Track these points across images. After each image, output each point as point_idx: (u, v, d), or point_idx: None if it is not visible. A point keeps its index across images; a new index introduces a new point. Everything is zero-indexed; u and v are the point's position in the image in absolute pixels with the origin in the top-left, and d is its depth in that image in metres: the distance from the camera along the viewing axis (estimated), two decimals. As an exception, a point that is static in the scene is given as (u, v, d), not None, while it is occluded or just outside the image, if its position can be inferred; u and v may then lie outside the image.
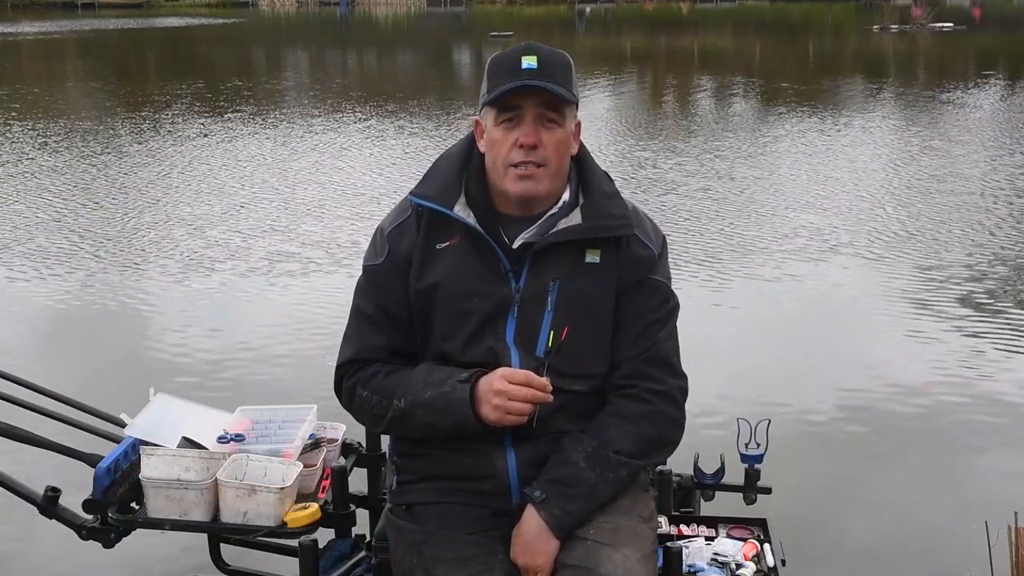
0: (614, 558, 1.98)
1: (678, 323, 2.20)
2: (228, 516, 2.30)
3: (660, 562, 2.18)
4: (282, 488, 2.28)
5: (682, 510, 2.61)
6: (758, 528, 2.51)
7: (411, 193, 2.16)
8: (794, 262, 7.25)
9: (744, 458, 2.58)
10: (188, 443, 2.47)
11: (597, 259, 2.11)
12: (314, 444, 2.56)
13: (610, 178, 2.20)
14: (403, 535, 2.17)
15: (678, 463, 2.48)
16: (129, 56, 30.68)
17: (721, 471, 2.62)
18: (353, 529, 2.53)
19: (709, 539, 2.46)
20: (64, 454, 2.53)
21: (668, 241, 2.23)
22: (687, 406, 2.18)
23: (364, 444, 2.72)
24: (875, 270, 7.06)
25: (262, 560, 2.87)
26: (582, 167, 2.17)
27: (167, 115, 15.70)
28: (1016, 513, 2.87)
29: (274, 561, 2.84)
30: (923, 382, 5.12)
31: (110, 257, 7.60)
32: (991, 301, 6.40)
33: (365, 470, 2.73)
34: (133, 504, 2.38)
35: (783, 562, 2.39)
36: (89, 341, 5.98)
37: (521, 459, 2.09)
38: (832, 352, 5.59)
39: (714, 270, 7.05)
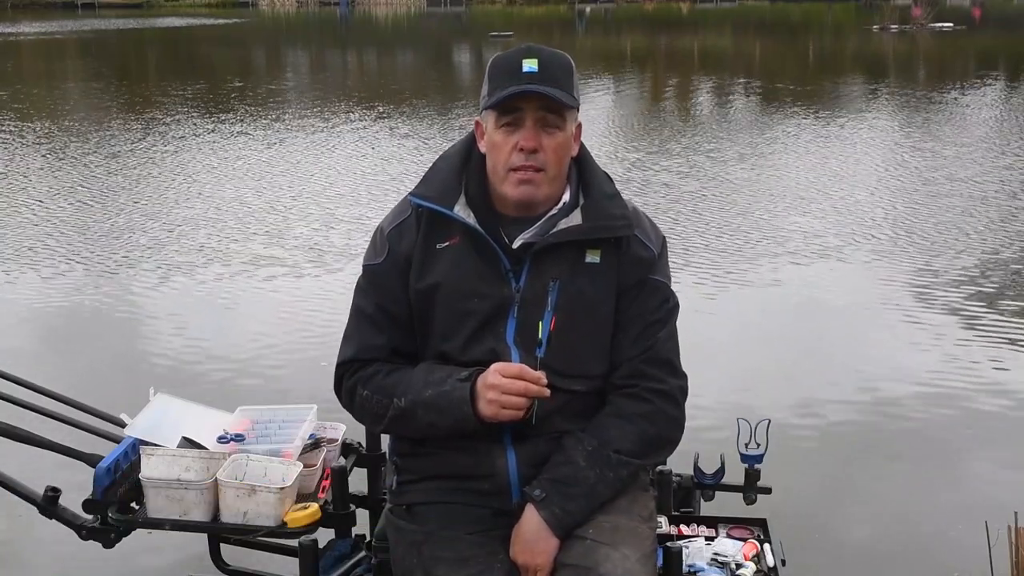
0: (613, 557, 1.98)
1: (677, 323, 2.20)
2: (228, 516, 2.30)
3: (660, 562, 2.19)
4: (282, 488, 2.28)
5: (682, 510, 2.61)
6: (758, 528, 2.51)
7: (411, 193, 2.16)
8: (794, 262, 7.25)
9: (744, 458, 2.58)
10: (188, 443, 2.47)
11: (597, 259, 2.11)
12: (314, 444, 2.56)
13: (610, 179, 2.20)
14: (403, 535, 2.17)
15: (678, 463, 2.48)
16: (129, 56, 30.67)
17: (721, 471, 2.62)
18: (353, 529, 2.53)
19: (709, 539, 2.46)
20: (64, 454, 2.53)
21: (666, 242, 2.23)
22: (686, 406, 2.18)
23: (364, 444, 2.72)
24: (874, 271, 7.07)
25: (262, 560, 2.87)
26: (582, 168, 2.17)
27: (168, 115, 15.70)
28: (1016, 513, 2.87)
29: (274, 561, 2.84)
30: (922, 382, 5.12)
31: (110, 257, 7.60)
32: (990, 301, 6.40)
33: (365, 470, 2.73)
34: (133, 504, 2.38)
35: (783, 562, 2.39)
36: (89, 341, 5.98)
37: (521, 459, 2.09)
38: (831, 353, 5.59)
39: (711, 271, 7.05)
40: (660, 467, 2.46)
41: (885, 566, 3.55)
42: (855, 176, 10.33)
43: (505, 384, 1.99)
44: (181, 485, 2.30)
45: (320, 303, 6.42)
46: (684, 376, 2.18)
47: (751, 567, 2.33)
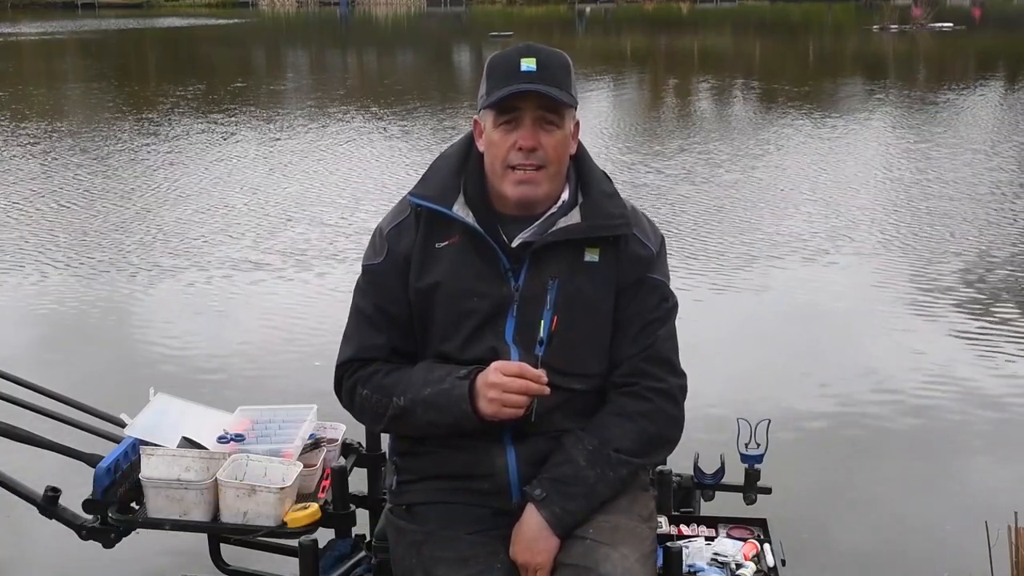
0: (612, 557, 1.98)
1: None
2: (228, 516, 2.30)
3: (660, 562, 2.19)
4: (282, 488, 2.28)
5: (682, 510, 2.61)
6: (758, 528, 2.51)
7: (410, 193, 2.16)
8: (793, 262, 7.25)
9: (744, 458, 2.58)
10: (188, 443, 2.47)
11: (596, 258, 2.11)
12: (314, 444, 2.56)
13: (609, 178, 2.20)
14: (403, 535, 2.17)
15: (678, 463, 2.48)
16: (129, 56, 30.66)
17: (721, 471, 2.62)
18: (353, 529, 2.53)
19: (709, 539, 2.46)
20: (64, 454, 2.53)
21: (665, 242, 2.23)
22: (686, 405, 2.18)
23: (364, 444, 2.72)
24: (873, 271, 7.06)
25: (262, 560, 2.86)
26: (581, 167, 2.18)
27: (168, 116, 15.70)
28: (1016, 513, 2.87)
29: (274, 561, 2.84)
30: (922, 382, 5.12)
31: (109, 257, 7.60)
32: (990, 301, 6.40)
33: (365, 470, 2.73)
34: (133, 504, 2.38)
35: (783, 562, 2.39)
36: (89, 341, 5.98)
37: (521, 458, 2.09)
38: (830, 353, 5.59)
39: (710, 271, 7.05)
40: (660, 467, 2.45)
41: (885, 566, 3.55)
42: (857, 177, 10.32)
43: (506, 383, 1.99)
44: (181, 485, 2.30)
45: (320, 303, 6.42)
46: (684, 375, 2.18)
47: (751, 567, 2.33)
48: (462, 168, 2.15)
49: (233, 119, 15.24)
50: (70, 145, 12.86)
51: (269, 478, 2.33)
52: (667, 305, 2.17)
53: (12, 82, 21.15)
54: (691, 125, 14.61)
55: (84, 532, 2.44)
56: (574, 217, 2.10)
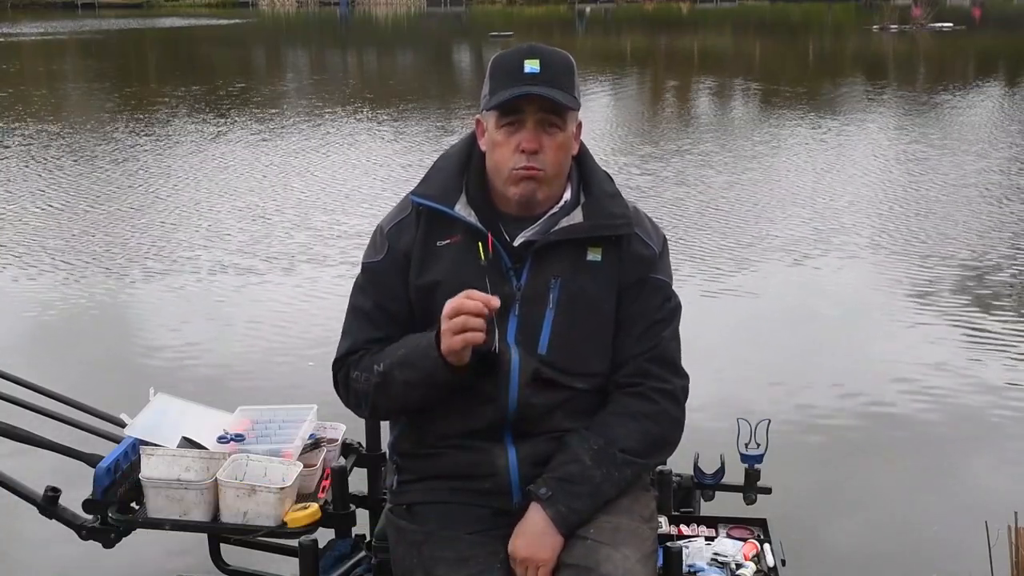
0: (614, 558, 1.98)
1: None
2: (228, 516, 2.30)
3: (660, 562, 2.18)
4: (282, 488, 2.28)
5: (682, 510, 2.61)
6: (758, 528, 2.51)
7: (412, 193, 2.16)
8: (791, 264, 7.25)
9: (744, 458, 2.58)
10: (188, 443, 2.47)
11: (598, 257, 2.11)
12: (314, 444, 2.55)
13: (611, 178, 2.20)
14: (403, 535, 2.17)
15: (678, 463, 2.48)
16: (129, 56, 30.65)
17: (721, 471, 2.62)
18: (353, 529, 2.53)
19: (709, 539, 2.46)
20: (64, 454, 2.53)
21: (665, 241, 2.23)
22: (686, 405, 2.18)
23: (364, 444, 2.72)
24: (873, 272, 7.07)
25: (262, 560, 2.86)
26: (583, 166, 2.18)
27: (169, 117, 15.70)
28: (1016, 513, 2.87)
29: (274, 561, 2.84)
30: (922, 382, 5.12)
31: (109, 257, 7.60)
32: (990, 301, 6.41)
33: (365, 470, 2.73)
34: (133, 504, 2.38)
35: (783, 562, 2.39)
36: (88, 341, 5.98)
37: (522, 458, 2.09)
38: (830, 354, 5.59)
39: (710, 270, 7.05)
40: (660, 467, 2.45)
41: (885, 566, 3.55)
42: (859, 177, 10.32)
43: (454, 306, 1.95)
44: (181, 485, 2.30)
45: (319, 304, 6.42)
46: (686, 376, 2.18)
47: (751, 567, 2.33)
48: (464, 168, 2.15)
49: (234, 119, 15.24)
50: (70, 144, 12.85)
51: (269, 478, 2.32)
52: (670, 305, 2.17)
53: (12, 82, 21.13)
54: (691, 125, 14.60)
55: (84, 532, 2.44)
56: (576, 217, 2.10)
